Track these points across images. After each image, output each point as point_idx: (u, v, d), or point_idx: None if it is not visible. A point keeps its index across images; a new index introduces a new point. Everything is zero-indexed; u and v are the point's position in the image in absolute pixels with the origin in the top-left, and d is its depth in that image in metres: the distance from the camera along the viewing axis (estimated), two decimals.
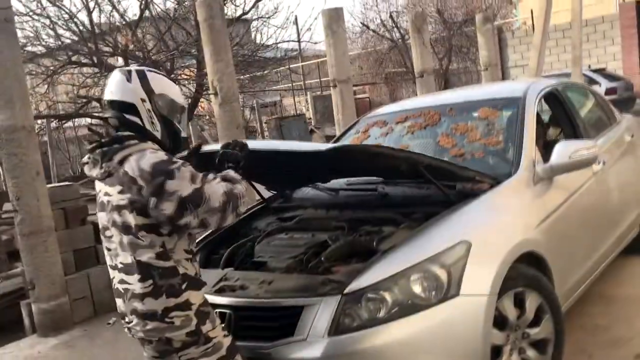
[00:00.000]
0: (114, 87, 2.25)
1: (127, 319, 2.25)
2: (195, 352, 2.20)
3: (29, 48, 9.54)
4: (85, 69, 10.01)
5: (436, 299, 2.40)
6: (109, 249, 2.27)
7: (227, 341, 2.28)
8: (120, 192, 2.15)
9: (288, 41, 11.75)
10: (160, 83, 2.28)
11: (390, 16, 14.93)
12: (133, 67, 2.33)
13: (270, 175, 3.52)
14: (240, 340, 2.49)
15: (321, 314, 2.36)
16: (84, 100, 10.19)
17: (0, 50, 4.57)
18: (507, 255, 2.60)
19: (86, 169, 2.28)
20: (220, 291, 2.67)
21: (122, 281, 2.22)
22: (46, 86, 9.99)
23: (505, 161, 3.27)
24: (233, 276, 2.75)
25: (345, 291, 2.37)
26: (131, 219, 2.14)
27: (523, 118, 3.42)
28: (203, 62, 8.90)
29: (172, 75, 10.14)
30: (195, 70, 10.31)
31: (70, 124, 13.03)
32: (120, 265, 2.21)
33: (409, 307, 2.38)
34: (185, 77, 10.62)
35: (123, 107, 2.23)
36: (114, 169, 2.17)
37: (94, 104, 10.31)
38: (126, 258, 2.18)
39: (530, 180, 3.12)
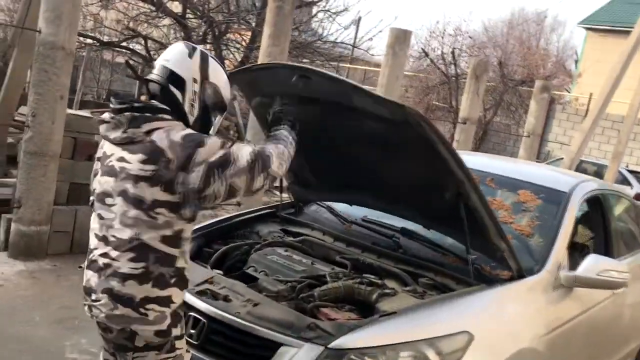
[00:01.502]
0: (173, 56, 2.15)
1: (93, 296, 2.04)
2: (154, 358, 2.03)
3: None
4: (142, 4, 9.87)
5: None
6: (102, 217, 2.07)
7: (187, 357, 2.12)
8: (144, 162, 1.98)
9: (347, 44, 11.48)
10: (217, 74, 2.19)
11: (452, 52, 14.71)
12: (199, 47, 2.21)
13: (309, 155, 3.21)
14: (206, 355, 2.34)
15: (298, 359, 2.19)
16: (132, 33, 10.07)
17: None
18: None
19: (103, 128, 2.10)
20: (201, 294, 2.50)
21: (105, 255, 2.02)
22: (99, 7, 9.84)
23: (531, 255, 3.07)
24: (219, 282, 2.58)
25: (330, 345, 2.19)
26: (150, 193, 1.97)
27: (562, 217, 3.22)
28: (259, 35, 8.76)
29: (224, 39, 10.01)
30: (248, 40, 10.17)
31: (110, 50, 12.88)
32: (112, 239, 2.02)
33: None
34: (237, 43, 10.45)
35: (172, 78, 2.11)
36: (139, 137, 2.01)
37: (139, 39, 10.20)
38: (124, 233, 2.00)
39: (551, 285, 2.93)
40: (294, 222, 3.46)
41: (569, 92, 20.18)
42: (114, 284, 1.99)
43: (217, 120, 2.24)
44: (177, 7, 9.96)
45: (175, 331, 2.05)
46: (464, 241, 2.71)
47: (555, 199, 3.36)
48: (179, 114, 2.10)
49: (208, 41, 9.84)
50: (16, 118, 7.44)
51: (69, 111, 5.16)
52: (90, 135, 5.29)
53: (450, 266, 2.91)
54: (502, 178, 3.61)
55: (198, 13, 9.61)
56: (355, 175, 3.09)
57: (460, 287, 2.72)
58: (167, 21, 10.25)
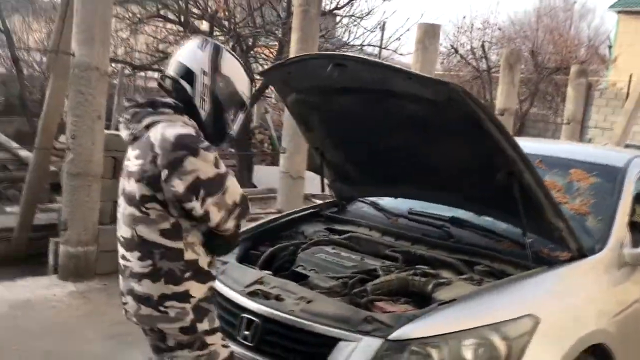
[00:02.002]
0: (185, 49, 2.09)
1: (123, 299, 2.04)
2: (189, 357, 1.98)
3: None
4: (169, 25, 10.01)
5: None
6: (117, 220, 2.06)
7: (224, 352, 2.05)
8: (137, 157, 1.96)
9: (374, 46, 11.41)
10: (231, 67, 2.09)
11: (482, 45, 14.47)
12: (213, 40, 2.15)
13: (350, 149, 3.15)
14: (262, 355, 2.28)
15: (358, 354, 2.10)
16: (161, 55, 10.20)
17: None
18: (576, 343, 2.29)
19: (120, 128, 2.09)
20: (253, 294, 2.45)
21: (123, 257, 2.02)
22: (129, 32, 10.01)
23: (590, 234, 2.92)
24: (269, 282, 2.52)
25: (390, 337, 2.10)
26: (137, 188, 1.93)
27: (621, 191, 3.07)
28: (286, 46, 8.77)
29: (252, 52, 10.06)
30: (276, 52, 10.19)
31: (142, 74, 13.11)
32: (121, 239, 2.02)
33: None
34: (265, 56, 10.49)
35: (182, 72, 2.04)
36: (139, 133, 1.98)
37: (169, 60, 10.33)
38: (127, 232, 1.97)
39: (614, 263, 2.78)
40: (339, 220, 3.39)
41: (604, 78, 19.66)
42: (133, 284, 1.98)
43: (238, 118, 2.14)
44: (203, 25, 10.06)
45: (202, 326, 1.98)
46: (520, 224, 2.60)
47: (610, 175, 3.21)
48: (191, 110, 2.03)
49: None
50: (56, 146, 7.61)
51: (107, 131, 5.22)
52: None
53: (506, 252, 2.80)
54: (552, 159, 3.47)
55: (224, 29, 9.68)
56: (399, 165, 3.01)
57: (518, 272, 2.60)
58: None
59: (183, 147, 1.87)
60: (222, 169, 1.93)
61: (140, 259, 1.95)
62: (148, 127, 1.96)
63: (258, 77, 8.98)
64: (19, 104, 10.48)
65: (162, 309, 1.94)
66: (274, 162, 11.44)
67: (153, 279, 1.94)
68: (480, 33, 15.78)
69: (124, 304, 2.05)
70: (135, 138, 1.99)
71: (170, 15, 9.64)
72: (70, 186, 4.75)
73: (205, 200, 1.88)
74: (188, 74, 2.02)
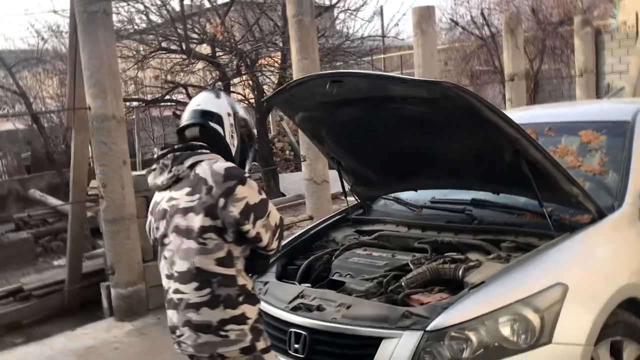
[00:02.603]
0: (202, 100, 2.38)
1: (177, 332, 2.20)
2: None
3: (122, 32, 9.87)
4: (173, 55, 10.24)
5: (526, 345, 2.23)
6: (165, 257, 2.23)
7: None
8: (189, 194, 2.15)
9: (375, 36, 11.49)
10: (241, 110, 2.42)
11: (482, 13, 14.38)
12: (218, 90, 2.48)
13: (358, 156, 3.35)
14: None
15: (401, 349, 2.25)
16: (171, 85, 10.46)
17: (97, 42, 4.71)
18: (607, 302, 2.39)
19: (150, 177, 2.30)
20: (296, 309, 2.61)
21: (176, 291, 2.17)
22: (136, 70, 10.28)
23: (608, 192, 3.00)
24: (310, 294, 2.68)
25: (428, 328, 2.24)
26: (197, 221, 2.12)
27: (631, 145, 3.13)
28: (288, 53, 8.91)
29: (257, 66, 10.23)
30: (280, 61, 10.35)
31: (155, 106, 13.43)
32: (176, 274, 2.17)
33: (495, 351, 2.22)
34: (270, 67, 10.66)
35: (209, 116, 2.31)
36: (183, 173, 2.19)
37: (180, 89, 10.58)
38: (183, 265, 2.14)
39: (636, 217, 2.86)
40: (366, 221, 3.52)
41: (614, 19, 19.27)
42: (191, 315, 2.13)
43: (252, 152, 2.45)
44: (206, 49, 10.27)
45: (260, 345, 2.16)
46: (535, 196, 2.70)
47: (619, 131, 3.27)
48: (220, 148, 2.28)
49: (242, 72, 10.09)
50: (89, 193, 7.91)
51: (134, 173, 5.44)
52: None
53: (529, 224, 2.90)
54: (560, 124, 3.55)
55: (227, 49, 9.87)
56: (412, 161, 3.13)
57: (543, 243, 2.70)
58: (200, 65, 10.58)
59: (233, 177, 2.13)
60: (264, 195, 2.18)
61: (197, 289, 2.12)
62: (192, 166, 2.19)
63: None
64: (46, 159, 10.85)
65: (222, 333, 2.11)
66: (298, 168, 11.61)
67: (212, 306, 2.11)
68: (477, 1, 15.68)
69: (178, 336, 2.19)
70: (178, 179, 2.19)
71: (173, 46, 9.87)
72: (109, 232, 4.98)
73: (256, 223, 2.13)
74: (215, 117, 2.31)
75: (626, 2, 18.91)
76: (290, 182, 11.06)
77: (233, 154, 2.33)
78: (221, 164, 2.17)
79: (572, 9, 14.45)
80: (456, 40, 15.84)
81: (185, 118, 2.34)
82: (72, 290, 5.71)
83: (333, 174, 7.39)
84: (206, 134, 2.30)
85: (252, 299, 2.19)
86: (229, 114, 2.33)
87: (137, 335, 4.75)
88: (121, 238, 4.97)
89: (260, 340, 2.17)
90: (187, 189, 2.17)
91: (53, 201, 9.03)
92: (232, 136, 2.33)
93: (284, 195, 10.38)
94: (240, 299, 2.14)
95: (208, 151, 2.23)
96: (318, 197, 6.38)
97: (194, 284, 2.12)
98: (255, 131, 2.47)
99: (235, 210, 2.09)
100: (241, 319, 2.13)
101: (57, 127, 12.07)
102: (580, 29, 10.11)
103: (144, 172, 6.82)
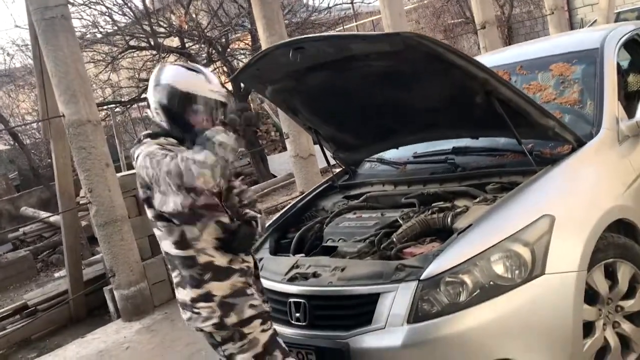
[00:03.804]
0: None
1: (180, 309, 2.30)
2: (234, 349, 2.20)
3: (88, 36, 9.75)
4: (143, 53, 10.14)
5: (520, 279, 2.26)
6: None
7: (264, 337, 2.23)
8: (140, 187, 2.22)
9: (342, 4, 11.39)
10: (171, 75, 2.22)
11: None
12: (160, 64, 2.35)
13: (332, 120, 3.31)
14: (317, 330, 2.46)
15: (398, 301, 2.27)
16: (146, 83, 10.36)
17: (60, 48, 4.65)
18: (595, 227, 2.41)
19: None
20: (292, 279, 2.62)
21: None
22: (108, 73, 10.18)
23: (585, 121, 3.01)
24: (304, 263, 2.69)
25: (422, 277, 2.26)
26: (149, 211, 2.20)
27: (602, 71, 3.14)
28: (257, 33, 8.84)
29: (228, 50, 10.14)
30: (250, 42, 10.26)
31: (135, 105, 13.32)
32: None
33: (491, 289, 2.24)
34: (241, 50, 10.58)
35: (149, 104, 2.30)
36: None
37: None
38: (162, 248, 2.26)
39: (615, 140, 2.88)
40: (353, 186, 3.53)
41: None
42: (177, 294, 2.26)
43: (214, 113, 2.21)
44: (174, 41, 10.16)
45: (230, 320, 2.16)
46: (513, 134, 2.71)
47: (589, 59, 3.28)
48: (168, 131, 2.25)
49: (215, 59, 10.00)
50: (80, 202, 7.89)
51: (119, 174, 5.42)
52: None
53: (511, 164, 2.92)
54: (531, 61, 3.55)
55: (195, 38, 9.78)
56: (388, 118, 3.13)
57: (527, 179, 2.72)
58: (171, 58, 10.48)
59: (150, 164, 2.09)
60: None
61: (172, 270, 2.25)
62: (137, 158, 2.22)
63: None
64: (32, 174, 10.79)
65: (195, 310, 2.18)
66: (285, 148, 11.58)
67: (183, 286, 2.21)
68: None
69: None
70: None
71: (142, 44, 9.77)
72: (103, 235, 4.98)
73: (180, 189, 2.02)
74: (155, 97, 2.26)
75: None
76: (280, 163, 11.03)
77: (167, 129, 2.20)
78: (145, 152, 2.08)
79: None
80: None
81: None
82: (76, 298, 5.73)
83: (319, 148, 7.42)
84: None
85: (222, 275, 2.17)
86: (155, 86, 2.21)
87: (146, 333, 4.78)
88: (116, 240, 4.97)
89: (231, 315, 2.15)
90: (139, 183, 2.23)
91: (46, 215, 8.99)
92: (156, 112, 2.22)
93: (275, 176, 10.37)
94: (206, 277, 2.15)
95: (149, 139, 2.17)
96: (307, 171, 6.39)
97: (170, 266, 2.24)
98: (197, 92, 2.17)
99: (156, 199, 2.10)
100: (208, 297, 2.16)
101: (40, 143, 11.98)
102: None
103: (129, 172, 6.78)
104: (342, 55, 2.59)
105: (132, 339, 4.71)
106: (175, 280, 2.24)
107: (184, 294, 2.21)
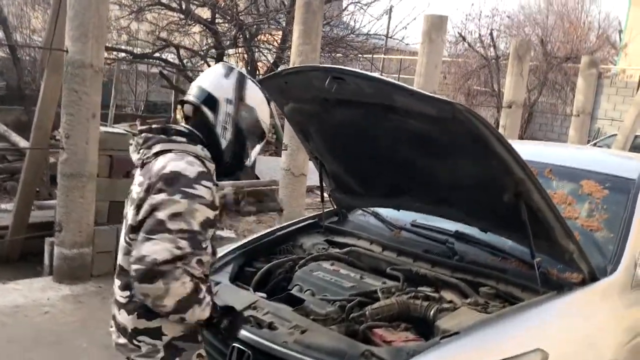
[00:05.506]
0: (210, 76, 2.04)
1: (111, 322, 2.00)
2: None
3: None
4: (171, 13, 9.81)
5: None
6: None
7: None
8: (139, 185, 1.89)
9: (381, 35, 11.19)
10: (255, 96, 2.05)
11: (491, 33, 14.22)
12: (238, 69, 2.07)
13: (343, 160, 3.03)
14: None
15: None
16: (163, 43, 10.04)
17: None
18: None
19: (130, 151, 2.03)
20: (244, 321, 2.31)
21: (115, 281, 1.97)
22: (130, 20, 9.83)
23: (601, 253, 2.77)
24: (263, 307, 2.39)
25: None
26: (131, 216, 1.88)
27: (634, 205, 2.92)
28: (289, 34, 8.58)
29: (255, 40, 9.86)
30: (280, 41, 10.00)
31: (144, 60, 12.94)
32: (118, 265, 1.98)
33: None
34: (268, 44, 10.30)
35: (205, 98, 1.99)
36: (147, 160, 1.90)
37: (171, 49, 10.16)
38: (119, 259, 1.95)
39: (628, 285, 2.64)
40: (339, 231, 3.26)
41: (614, 65, 19.31)
42: (115, 312, 1.96)
43: (256, 149, 2.09)
44: (206, 13, 9.86)
45: None
46: (528, 244, 2.45)
47: (623, 188, 3.05)
48: (206, 138, 1.97)
49: (239, 45, 9.71)
50: (57, 138, 7.49)
51: (103, 129, 5.08)
52: (127, 152, 5.17)
53: (513, 272, 2.65)
54: (562, 168, 3.30)
55: (227, 17, 9.49)
56: (401, 178, 2.86)
57: (525, 295, 2.47)
58: (197, 28, 10.17)
59: (171, 184, 1.79)
60: (195, 226, 1.76)
61: (121, 287, 1.93)
62: (157, 154, 1.89)
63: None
64: (18, 93, 10.35)
65: (135, 342, 1.88)
66: (277, 153, 11.28)
67: (128, 311, 1.89)
68: (488, 21, 15.50)
69: (111, 327, 2.01)
70: (143, 164, 1.91)
71: (173, 4, 9.45)
72: (65, 186, 4.63)
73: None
74: (212, 101, 1.98)
75: (630, 50, 18.99)
76: (268, 167, 10.70)
77: (223, 147, 1.99)
78: (178, 163, 1.82)
79: (579, 47, 14.37)
80: (459, 56, 15.64)
81: (190, 91, 2.04)
82: (14, 238, 5.34)
83: (312, 166, 7.13)
84: (200, 117, 1.98)
85: None
86: (228, 101, 1.97)
87: (73, 302, 4.41)
88: (75, 196, 4.62)
89: None
90: (140, 179, 1.89)
91: (16, 139, 8.53)
92: (224, 127, 1.98)
93: (258, 178, 10.06)
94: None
95: (184, 140, 1.91)
96: (293, 189, 6.08)
97: (119, 282, 1.93)
98: (266, 127, 2.06)
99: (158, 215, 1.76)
100: (155, 333, 1.85)
101: (35, 64, 11.52)
102: (586, 69, 9.92)
103: (114, 129, 6.44)
104: (381, 102, 2.32)
105: (55, 303, 4.34)
106: (120, 300, 1.91)
107: (127, 320, 1.88)
